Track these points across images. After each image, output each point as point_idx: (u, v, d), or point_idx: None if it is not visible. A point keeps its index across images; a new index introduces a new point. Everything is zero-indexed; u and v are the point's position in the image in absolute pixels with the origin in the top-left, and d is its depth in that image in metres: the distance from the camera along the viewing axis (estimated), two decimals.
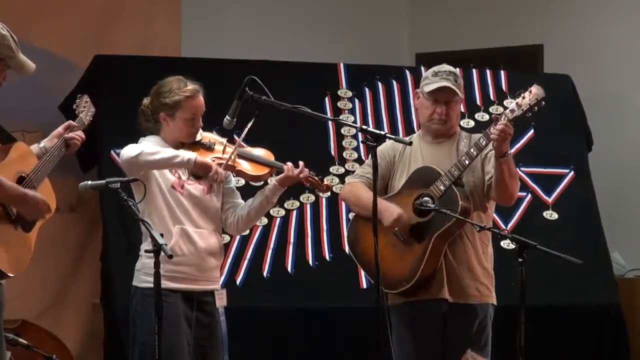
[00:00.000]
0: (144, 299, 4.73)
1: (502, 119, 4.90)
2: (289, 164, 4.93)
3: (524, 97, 4.94)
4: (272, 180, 4.97)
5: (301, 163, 4.94)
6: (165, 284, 4.62)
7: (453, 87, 5.08)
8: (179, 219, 4.81)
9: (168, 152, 4.77)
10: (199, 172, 4.80)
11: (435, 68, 5.18)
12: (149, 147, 4.79)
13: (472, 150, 4.98)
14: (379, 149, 5.22)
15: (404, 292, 5.04)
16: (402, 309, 5.08)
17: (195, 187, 4.88)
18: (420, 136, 5.24)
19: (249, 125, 4.80)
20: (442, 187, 4.97)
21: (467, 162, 4.98)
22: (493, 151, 4.98)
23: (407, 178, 5.11)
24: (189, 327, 4.80)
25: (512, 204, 5.25)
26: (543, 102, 4.95)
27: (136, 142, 4.94)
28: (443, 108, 5.10)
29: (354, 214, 5.34)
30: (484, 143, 4.95)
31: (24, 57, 4.36)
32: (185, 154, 4.76)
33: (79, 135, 4.70)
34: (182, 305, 4.79)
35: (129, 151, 4.79)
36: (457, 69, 5.24)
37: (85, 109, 4.83)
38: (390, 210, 5.00)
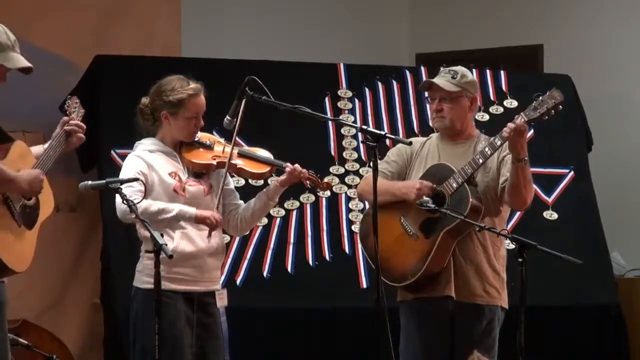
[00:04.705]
0: (145, 300, 4.71)
1: (519, 119, 4.89)
2: (290, 164, 4.92)
3: (542, 100, 4.93)
4: (273, 181, 4.97)
5: (297, 165, 4.92)
6: (166, 285, 4.62)
7: (438, 82, 5.08)
8: (179, 224, 4.78)
9: (169, 211, 4.70)
10: (200, 224, 4.75)
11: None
12: (150, 206, 4.67)
13: (486, 149, 4.96)
14: (397, 147, 5.24)
15: (412, 288, 5.02)
16: (412, 306, 5.07)
17: (197, 188, 4.86)
18: (439, 137, 5.25)
19: (239, 119, 4.79)
20: (454, 185, 4.96)
21: (480, 160, 4.95)
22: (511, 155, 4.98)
23: (422, 174, 5.10)
24: (190, 328, 4.79)
25: (524, 209, 5.24)
26: (561, 107, 4.94)
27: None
28: (435, 104, 5.12)
29: (367, 209, 5.32)
30: (498, 143, 4.93)
31: (17, 54, 4.34)
32: (187, 210, 4.72)
33: (79, 124, 4.57)
34: (183, 306, 4.78)
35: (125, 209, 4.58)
36: (474, 70, 5.19)
37: (76, 110, 4.81)
38: (408, 187, 5.00)
